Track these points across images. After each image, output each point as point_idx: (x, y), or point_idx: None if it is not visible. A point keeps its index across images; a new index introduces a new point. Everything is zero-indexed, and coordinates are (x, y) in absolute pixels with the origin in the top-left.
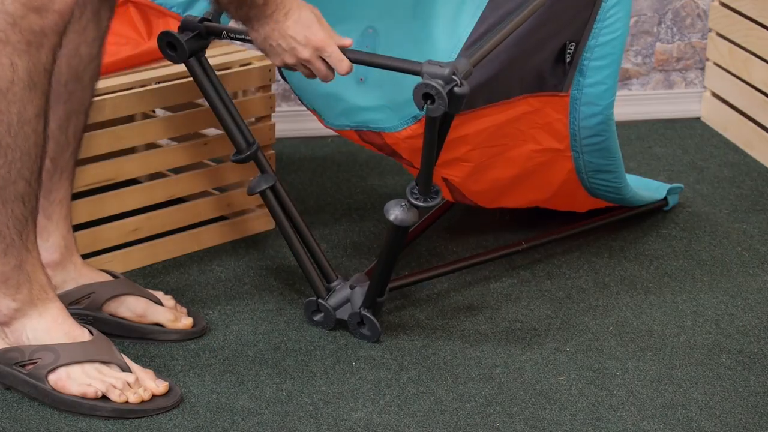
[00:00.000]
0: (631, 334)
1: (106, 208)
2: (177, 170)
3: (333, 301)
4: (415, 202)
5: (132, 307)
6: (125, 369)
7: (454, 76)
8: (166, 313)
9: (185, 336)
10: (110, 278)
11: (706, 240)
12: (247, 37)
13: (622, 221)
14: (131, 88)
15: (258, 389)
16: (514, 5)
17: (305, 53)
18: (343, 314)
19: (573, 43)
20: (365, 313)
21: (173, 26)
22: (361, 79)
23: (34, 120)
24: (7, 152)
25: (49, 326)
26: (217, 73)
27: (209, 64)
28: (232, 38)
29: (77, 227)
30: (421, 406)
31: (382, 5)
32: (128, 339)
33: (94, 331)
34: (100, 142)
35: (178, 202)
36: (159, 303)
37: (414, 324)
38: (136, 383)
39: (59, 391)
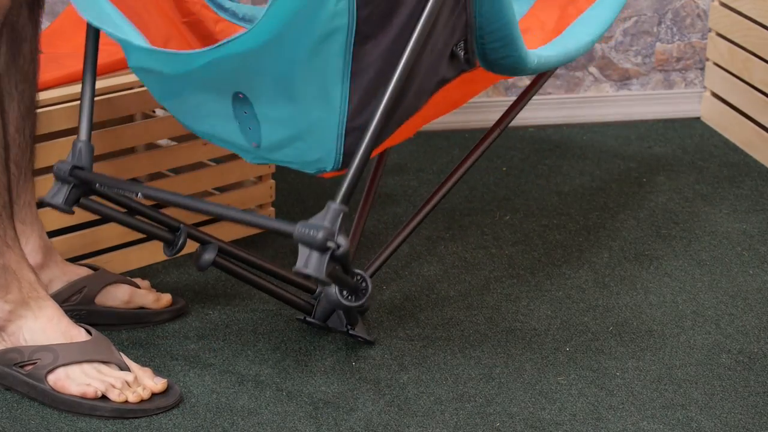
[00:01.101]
0: (631, 334)
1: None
2: (177, 170)
3: (319, 315)
4: (347, 303)
5: (119, 295)
6: (124, 368)
7: (328, 243)
8: (147, 295)
9: (174, 314)
10: (91, 271)
11: (706, 240)
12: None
13: (621, 222)
14: (131, 88)
15: (258, 389)
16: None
17: None
18: (335, 324)
19: (461, 42)
20: (352, 332)
21: None
22: (255, 145)
23: None
24: None
25: (45, 326)
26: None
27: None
28: (104, 194)
29: (76, 227)
30: (421, 406)
31: (245, 73)
32: (124, 327)
33: (93, 330)
34: (100, 142)
35: None
36: (138, 287)
37: (414, 324)
38: (134, 382)
39: (59, 392)
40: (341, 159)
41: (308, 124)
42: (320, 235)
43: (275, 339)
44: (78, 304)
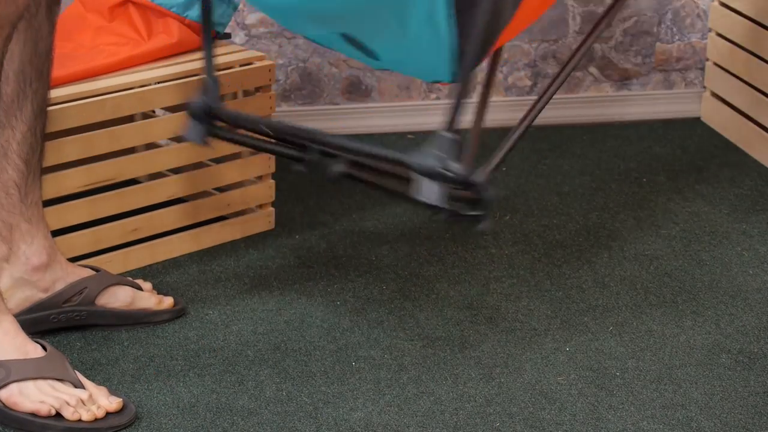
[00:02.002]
0: (631, 334)
1: (106, 208)
2: (177, 170)
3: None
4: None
5: (121, 297)
6: (78, 386)
7: (445, 171)
8: (150, 298)
9: (173, 315)
10: (94, 272)
11: (706, 240)
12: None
13: (621, 222)
14: (131, 88)
15: (258, 389)
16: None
17: None
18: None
19: None
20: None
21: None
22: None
23: None
24: None
25: (0, 341)
26: (217, 73)
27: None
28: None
29: (77, 227)
30: (421, 406)
31: (349, 13)
32: (124, 327)
33: (48, 346)
34: (100, 142)
35: (178, 202)
36: (140, 289)
37: (414, 324)
38: (89, 400)
39: (11, 408)
40: (455, 73)
41: (419, 49)
42: (434, 163)
43: (275, 339)
44: (78, 305)
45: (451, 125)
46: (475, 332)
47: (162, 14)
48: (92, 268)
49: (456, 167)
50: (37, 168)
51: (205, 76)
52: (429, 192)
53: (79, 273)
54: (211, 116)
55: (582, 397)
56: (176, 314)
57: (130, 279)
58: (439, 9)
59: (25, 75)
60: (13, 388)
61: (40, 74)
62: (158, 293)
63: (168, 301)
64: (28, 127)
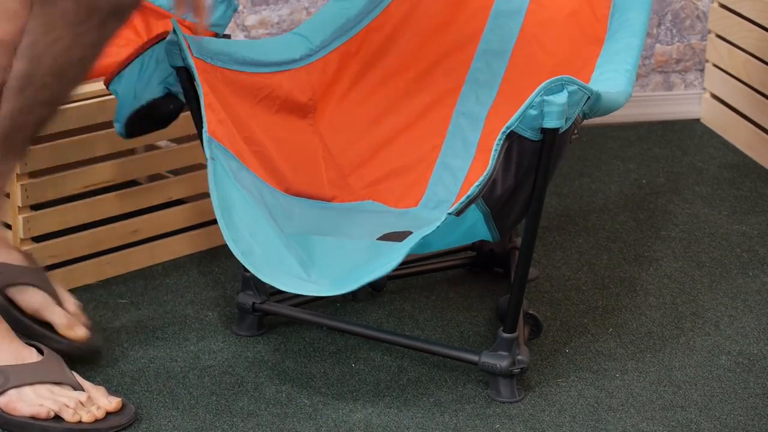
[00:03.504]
0: (631, 336)
1: (106, 210)
2: (176, 172)
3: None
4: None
5: (30, 299)
6: (77, 388)
7: (513, 369)
8: (62, 316)
9: (73, 348)
10: (23, 263)
11: (706, 241)
12: None
13: (620, 224)
14: None
15: (257, 391)
16: None
17: None
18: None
19: None
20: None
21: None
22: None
23: None
24: None
25: (3, 335)
26: None
27: None
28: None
29: (77, 228)
30: (421, 408)
31: None
32: (16, 332)
33: (45, 349)
34: (99, 143)
35: (177, 203)
36: (59, 303)
37: (414, 326)
38: (88, 401)
39: (10, 414)
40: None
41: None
42: (505, 363)
43: (275, 340)
44: None
45: (512, 327)
46: (474, 334)
47: (162, 16)
48: (31, 261)
49: (522, 358)
50: (13, 147)
51: (247, 273)
52: (506, 390)
53: (4, 256)
54: (259, 311)
55: (582, 398)
56: (76, 348)
57: (61, 292)
58: (479, 228)
59: (42, 66)
60: (12, 393)
61: (60, 73)
62: (81, 313)
63: (80, 332)
64: (20, 108)
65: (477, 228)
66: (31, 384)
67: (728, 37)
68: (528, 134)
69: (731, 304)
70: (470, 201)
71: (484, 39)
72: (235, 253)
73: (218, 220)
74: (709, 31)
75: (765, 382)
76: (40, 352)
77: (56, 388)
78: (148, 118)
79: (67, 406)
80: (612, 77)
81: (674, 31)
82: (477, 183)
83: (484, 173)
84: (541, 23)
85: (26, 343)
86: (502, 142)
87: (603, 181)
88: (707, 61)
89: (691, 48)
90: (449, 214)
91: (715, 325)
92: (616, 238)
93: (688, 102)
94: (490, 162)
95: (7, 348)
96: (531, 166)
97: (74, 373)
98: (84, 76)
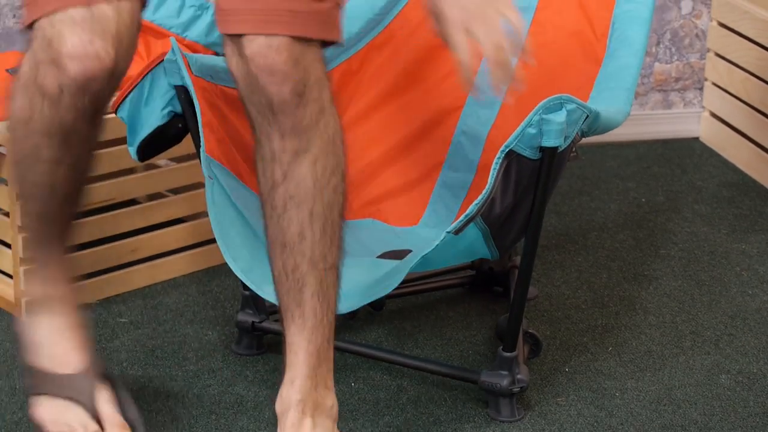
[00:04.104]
0: (630, 355)
1: (106, 229)
2: (176, 191)
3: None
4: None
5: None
6: (93, 413)
7: (513, 388)
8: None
9: None
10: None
11: (705, 260)
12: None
13: (620, 242)
14: None
15: (257, 410)
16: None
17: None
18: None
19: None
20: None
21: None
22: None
23: (48, 164)
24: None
25: (51, 335)
26: None
27: None
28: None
29: (80, 247)
30: (421, 427)
31: None
32: None
33: (88, 363)
34: (99, 162)
35: (176, 222)
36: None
37: (413, 344)
38: None
39: (32, 415)
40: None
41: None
42: (505, 382)
43: (274, 360)
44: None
45: (512, 346)
46: (474, 353)
47: (161, 34)
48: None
49: (522, 377)
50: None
51: (246, 292)
52: (506, 410)
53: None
54: (259, 330)
55: (581, 417)
56: None
57: (106, 405)
58: (478, 246)
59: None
60: (37, 398)
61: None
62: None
63: None
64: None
65: (476, 246)
66: (52, 395)
67: (727, 56)
68: (527, 153)
69: (731, 323)
70: (469, 220)
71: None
72: (235, 271)
73: (217, 239)
74: (708, 50)
75: (765, 401)
76: (84, 364)
77: (72, 407)
78: (158, 141)
79: None
80: (610, 96)
81: (673, 49)
82: (476, 202)
83: (483, 192)
84: (542, 45)
85: (76, 349)
86: (501, 160)
87: (602, 199)
88: (706, 79)
89: (690, 67)
90: (448, 232)
91: (715, 344)
92: (616, 256)
93: (687, 120)
94: (489, 180)
95: (51, 348)
96: (530, 184)
97: (104, 400)
98: None
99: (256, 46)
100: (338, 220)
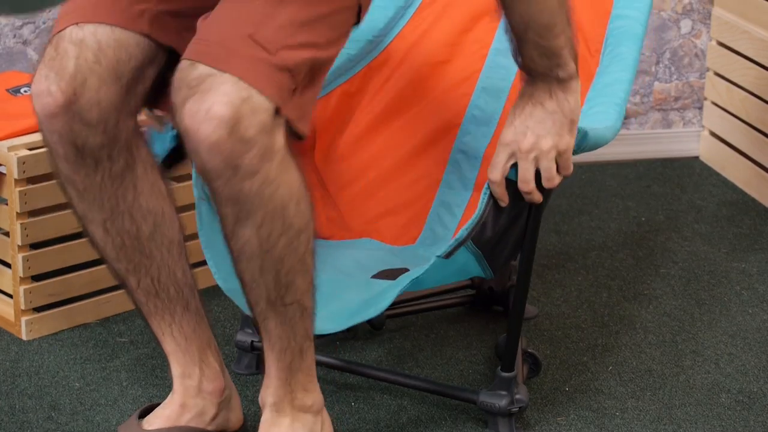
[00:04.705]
0: (631, 374)
1: None
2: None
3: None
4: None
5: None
6: None
7: (511, 408)
8: None
9: None
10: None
11: (705, 279)
12: None
13: (620, 261)
14: None
15: (257, 429)
16: None
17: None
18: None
19: None
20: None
21: None
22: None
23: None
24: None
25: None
26: None
27: None
28: None
29: (76, 267)
30: None
31: None
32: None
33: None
34: None
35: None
36: None
37: (413, 364)
38: None
39: None
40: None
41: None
42: (503, 402)
43: None
44: None
45: (510, 365)
46: (474, 372)
47: None
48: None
49: (521, 397)
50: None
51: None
52: (505, 429)
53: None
54: (258, 349)
55: None
56: None
57: None
58: (471, 267)
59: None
60: None
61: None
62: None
63: None
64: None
65: (469, 266)
66: None
67: (727, 75)
68: (515, 177)
69: (731, 342)
70: (459, 244)
71: (483, 77)
72: (225, 292)
73: (207, 260)
74: (708, 69)
75: (765, 420)
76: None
77: None
78: (180, 152)
79: None
80: (601, 111)
81: (673, 69)
82: (466, 226)
83: (473, 217)
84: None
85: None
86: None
87: (602, 218)
88: (706, 98)
89: (689, 86)
90: (438, 257)
91: (715, 363)
92: (616, 275)
93: (686, 140)
94: (478, 206)
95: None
96: (522, 206)
97: None
98: None
99: (189, 103)
100: (297, 265)
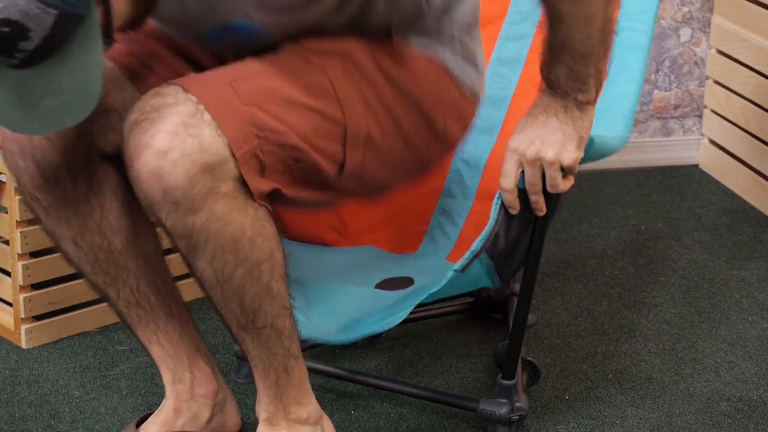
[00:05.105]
0: (630, 382)
1: None
2: None
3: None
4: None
5: None
6: None
7: (511, 417)
8: None
9: None
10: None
11: (705, 287)
12: None
13: (620, 269)
14: None
15: None
16: None
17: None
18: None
19: None
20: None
21: None
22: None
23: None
24: None
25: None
26: None
27: None
28: None
29: (76, 275)
30: None
31: None
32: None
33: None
34: None
35: (176, 250)
36: None
37: (413, 372)
38: None
39: None
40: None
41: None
42: (503, 410)
43: None
44: None
45: (511, 373)
46: (474, 380)
47: None
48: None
49: (521, 405)
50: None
51: None
52: None
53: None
54: None
55: None
56: None
57: None
58: (482, 278)
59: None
60: None
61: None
62: None
63: None
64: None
65: (480, 279)
66: None
67: (726, 83)
68: (523, 185)
69: (731, 350)
70: (474, 256)
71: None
72: None
73: None
74: (707, 77)
75: (765, 428)
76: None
77: None
78: None
79: None
80: (609, 123)
81: (672, 77)
82: (480, 237)
83: (486, 228)
84: (538, 73)
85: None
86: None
87: (602, 227)
88: (705, 107)
89: (689, 94)
90: (455, 270)
91: (715, 371)
92: (615, 283)
93: (686, 148)
94: (491, 216)
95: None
96: (531, 216)
97: None
98: None
99: (135, 129)
100: (261, 292)
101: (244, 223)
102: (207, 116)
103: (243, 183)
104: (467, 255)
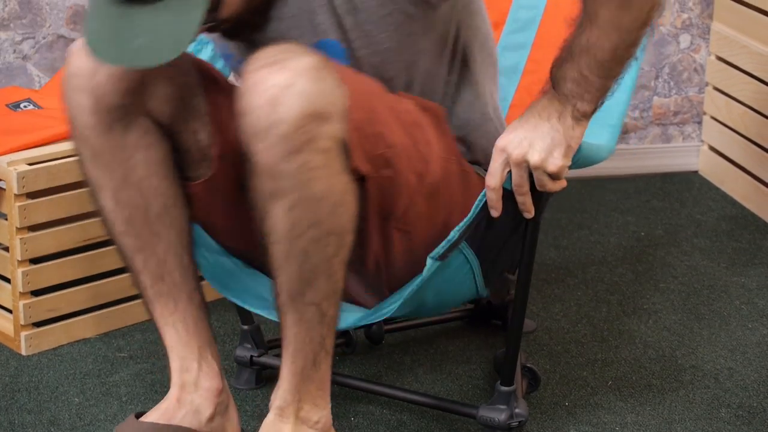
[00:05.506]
0: (630, 389)
1: (105, 263)
2: None
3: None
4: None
5: None
6: None
7: (510, 423)
8: None
9: None
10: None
11: (705, 294)
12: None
13: (619, 276)
14: None
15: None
16: None
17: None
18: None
19: None
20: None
21: None
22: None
23: None
24: None
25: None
26: None
27: None
28: None
29: (76, 282)
30: None
31: None
32: None
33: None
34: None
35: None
36: None
37: (412, 379)
38: None
39: None
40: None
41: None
42: (502, 417)
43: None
44: None
45: (509, 380)
46: (473, 387)
47: None
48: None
49: (521, 411)
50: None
51: (245, 326)
52: None
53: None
54: (257, 364)
55: None
56: None
57: None
58: (467, 279)
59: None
60: None
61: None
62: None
63: None
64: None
65: (466, 280)
66: None
67: (726, 90)
68: (509, 186)
69: (731, 357)
70: (452, 245)
71: None
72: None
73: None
74: (707, 84)
75: None
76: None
77: None
78: None
79: None
80: (595, 131)
81: (672, 83)
82: (458, 227)
83: (465, 219)
84: (539, 81)
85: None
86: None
87: (602, 233)
88: (705, 113)
89: (689, 100)
90: (431, 258)
91: (715, 378)
92: (615, 290)
93: (686, 154)
94: (471, 211)
95: (164, 408)
96: (516, 215)
97: None
98: None
99: (265, 68)
100: (322, 265)
101: (334, 187)
102: (334, 73)
103: (343, 151)
104: (444, 243)
